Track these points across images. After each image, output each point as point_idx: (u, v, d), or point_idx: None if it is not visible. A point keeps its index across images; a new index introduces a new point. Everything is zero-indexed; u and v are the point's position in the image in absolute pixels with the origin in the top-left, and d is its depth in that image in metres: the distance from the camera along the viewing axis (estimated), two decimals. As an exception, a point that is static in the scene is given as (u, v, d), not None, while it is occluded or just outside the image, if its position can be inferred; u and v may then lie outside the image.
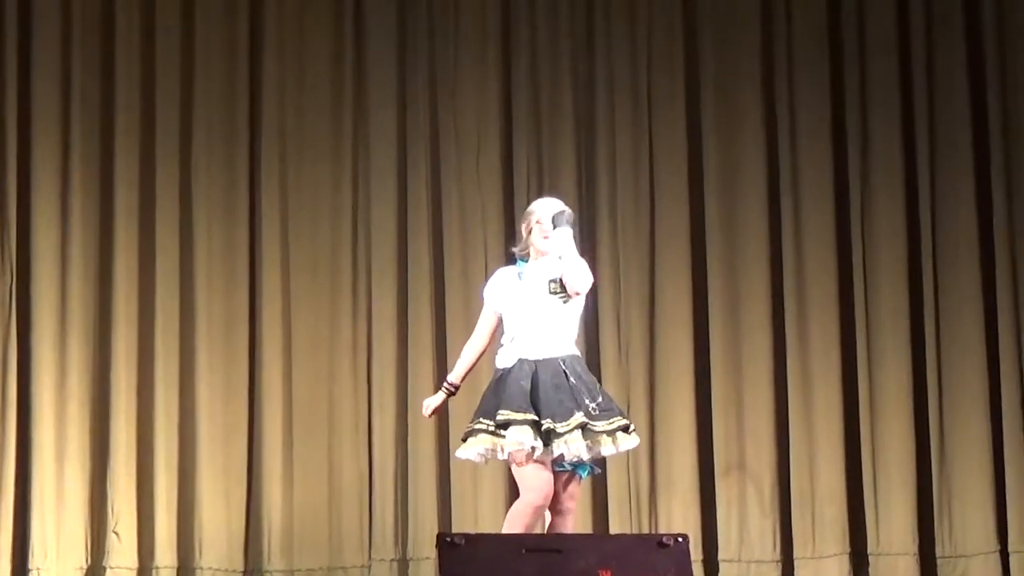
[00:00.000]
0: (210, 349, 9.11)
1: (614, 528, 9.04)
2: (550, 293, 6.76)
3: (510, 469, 6.75)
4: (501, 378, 6.75)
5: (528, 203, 9.12)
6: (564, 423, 6.60)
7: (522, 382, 6.66)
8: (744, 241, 9.34)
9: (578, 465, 6.72)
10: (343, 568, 9.09)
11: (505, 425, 6.61)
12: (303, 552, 9.05)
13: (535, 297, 6.78)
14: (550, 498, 6.69)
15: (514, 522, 6.58)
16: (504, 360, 6.79)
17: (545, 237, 6.80)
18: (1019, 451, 8.99)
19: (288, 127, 9.34)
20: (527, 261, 6.90)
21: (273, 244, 9.24)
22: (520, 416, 6.61)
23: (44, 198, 9.00)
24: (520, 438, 6.58)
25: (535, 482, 6.63)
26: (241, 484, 9.06)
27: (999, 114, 9.23)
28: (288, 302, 9.24)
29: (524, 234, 6.89)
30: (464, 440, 6.76)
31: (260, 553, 9.03)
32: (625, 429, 6.73)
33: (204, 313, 9.12)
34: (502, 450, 6.63)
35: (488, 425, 6.66)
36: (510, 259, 7.07)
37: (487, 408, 6.71)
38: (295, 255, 9.27)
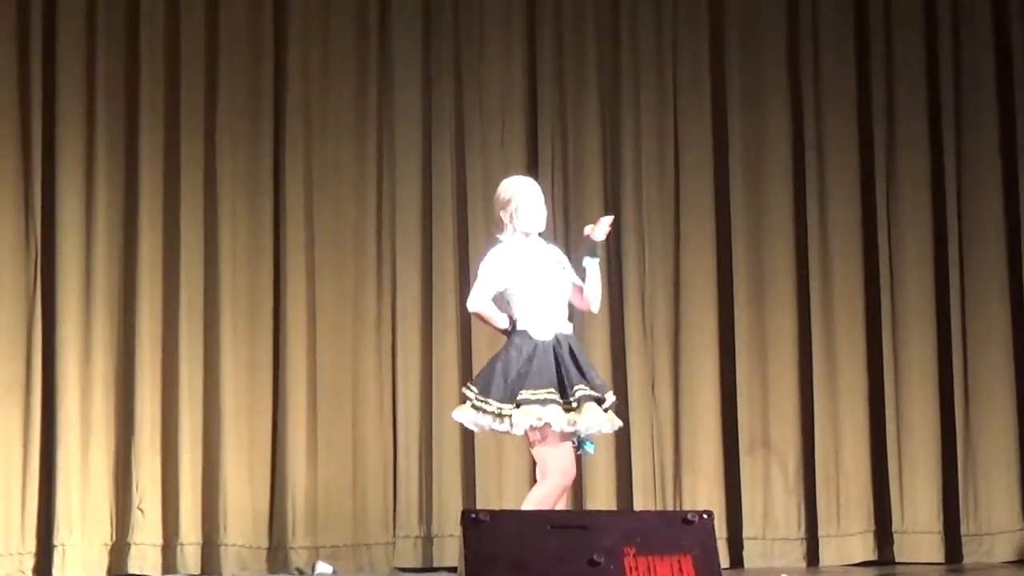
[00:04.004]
0: (234, 326, 9.11)
1: (638, 505, 9.04)
2: (592, 256, 6.86)
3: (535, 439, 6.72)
4: (541, 352, 6.69)
5: (553, 179, 9.21)
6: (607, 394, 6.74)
7: (567, 357, 6.69)
8: (769, 219, 9.32)
9: (584, 441, 6.74)
10: (367, 545, 9.11)
11: (579, 402, 6.62)
12: (327, 529, 9.06)
13: (550, 273, 6.83)
14: (573, 479, 6.76)
15: (543, 505, 6.57)
16: (541, 332, 6.74)
17: (538, 216, 6.86)
18: (1044, 430, 9.01)
19: (313, 104, 9.33)
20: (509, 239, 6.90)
21: (297, 221, 9.23)
22: (593, 393, 6.68)
23: (69, 175, 9.00)
24: (597, 416, 6.65)
25: (565, 464, 6.66)
26: (266, 461, 9.08)
27: (1026, 89, 9.21)
28: (312, 279, 9.24)
29: (506, 219, 6.88)
30: (518, 407, 6.62)
31: (284, 529, 9.04)
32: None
33: (228, 290, 9.13)
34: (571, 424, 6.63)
35: (560, 397, 6.62)
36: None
37: (548, 379, 6.64)
38: (319, 232, 9.27)
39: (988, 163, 9.21)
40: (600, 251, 6.95)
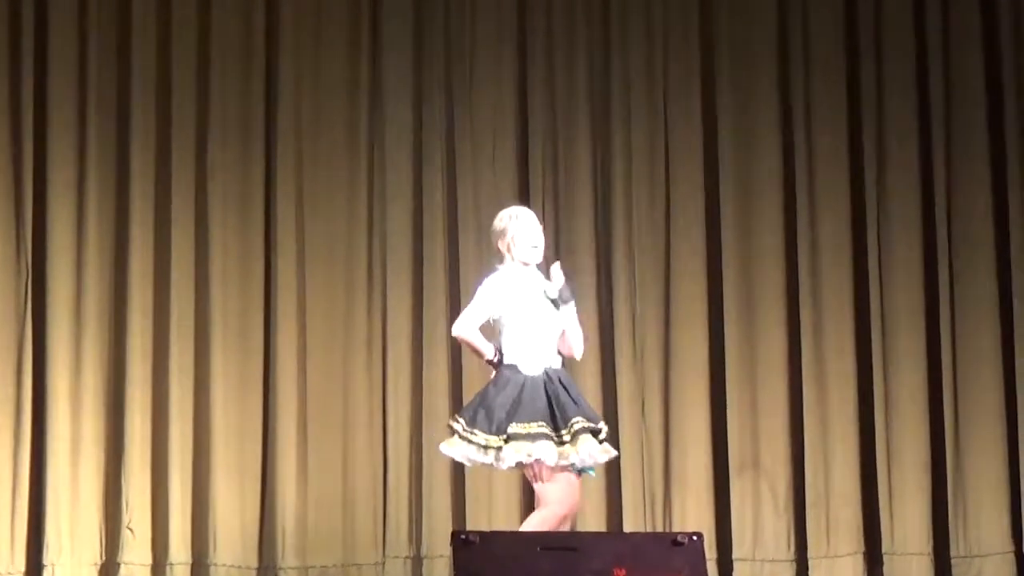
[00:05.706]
0: (225, 345, 9.11)
1: (628, 527, 9.03)
2: (550, 298, 6.84)
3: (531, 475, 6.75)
4: (531, 386, 6.71)
5: (544, 199, 9.23)
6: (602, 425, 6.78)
7: (560, 391, 6.70)
8: (759, 239, 9.32)
9: (584, 467, 6.76)
10: (357, 565, 9.09)
11: (575, 435, 6.62)
12: (317, 549, 9.05)
13: (543, 307, 6.84)
14: (576, 509, 6.75)
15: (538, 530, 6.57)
16: (531, 367, 6.77)
17: (534, 247, 6.85)
18: (1034, 451, 9.01)
19: (304, 123, 9.33)
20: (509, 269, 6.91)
21: (288, 241, 9.23)
22: (589, 424, 6.68)
23: (60, 194, 9.00)
24: (591, 447, 6.65)
25: (566, 493, 6.66)
26: (255, 480, 9.06)
27: (1016, 111, 9.20)
28: (303, 299, 9.24)
29: (504, 249, 6.89)
30: (507, 441, 6.65)
31: (274, 550, 9.02)
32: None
33: (219, 309, 9.13)
34: (563, 458, 6.64)
35: (552, 431, 6.63)
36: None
37: (537, 412, 6.65)
38: (310, 252, 9.27)
39: (979, 184, 9.21)
40: (567, 295, 6.93)
